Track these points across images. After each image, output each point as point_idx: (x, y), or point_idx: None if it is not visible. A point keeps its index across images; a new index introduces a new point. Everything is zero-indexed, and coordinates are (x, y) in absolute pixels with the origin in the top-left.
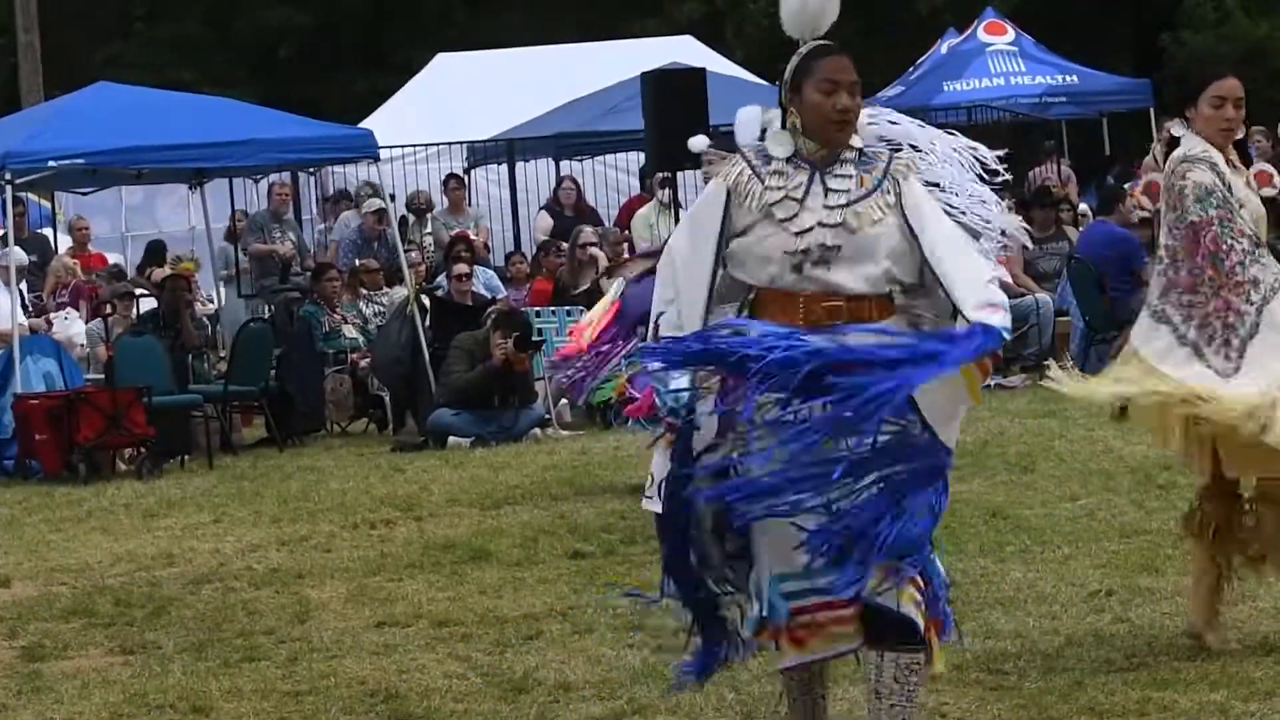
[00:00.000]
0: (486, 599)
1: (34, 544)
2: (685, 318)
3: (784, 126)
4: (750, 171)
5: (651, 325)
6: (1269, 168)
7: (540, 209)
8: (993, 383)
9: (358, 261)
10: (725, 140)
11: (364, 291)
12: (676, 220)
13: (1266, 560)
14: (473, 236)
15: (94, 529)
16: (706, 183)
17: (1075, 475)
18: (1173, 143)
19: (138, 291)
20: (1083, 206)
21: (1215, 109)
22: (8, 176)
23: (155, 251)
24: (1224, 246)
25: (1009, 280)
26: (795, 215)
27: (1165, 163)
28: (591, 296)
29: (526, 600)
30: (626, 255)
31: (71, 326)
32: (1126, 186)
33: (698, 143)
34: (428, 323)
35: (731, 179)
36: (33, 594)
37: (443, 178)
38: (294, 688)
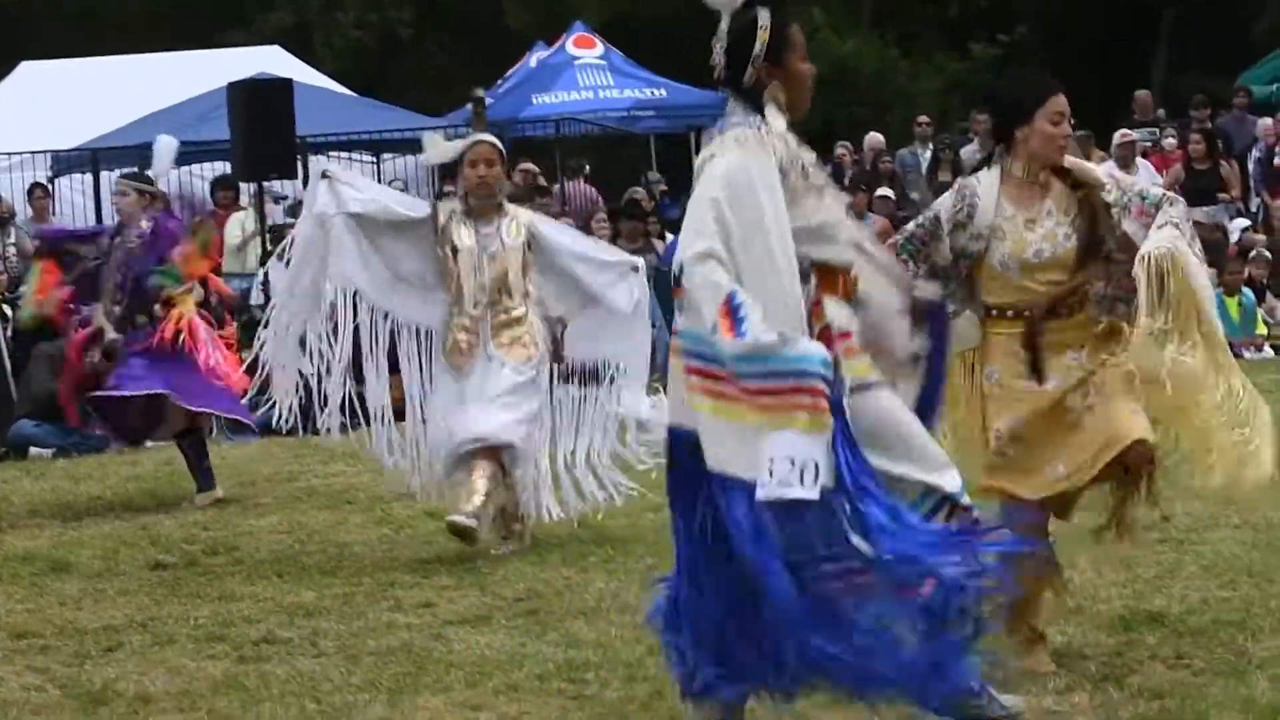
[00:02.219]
0: (66, 610)
1: None
2: (789, 310)
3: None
4: (776, 140)
5: (724, 316)
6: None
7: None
8: None
9: None
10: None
11: None
12: (263, 231)
13: None
14: None
15: None
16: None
17: (658, 485)
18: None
19: None
20: None
21: (1054, 125)
22: None
23: None
24: None
25: None
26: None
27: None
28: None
29: (107, 612)
30: None
31: None
32: None
33: None
34: (9, 332)
35: (773, 148)
36: None
37: (27, 187)
38: None
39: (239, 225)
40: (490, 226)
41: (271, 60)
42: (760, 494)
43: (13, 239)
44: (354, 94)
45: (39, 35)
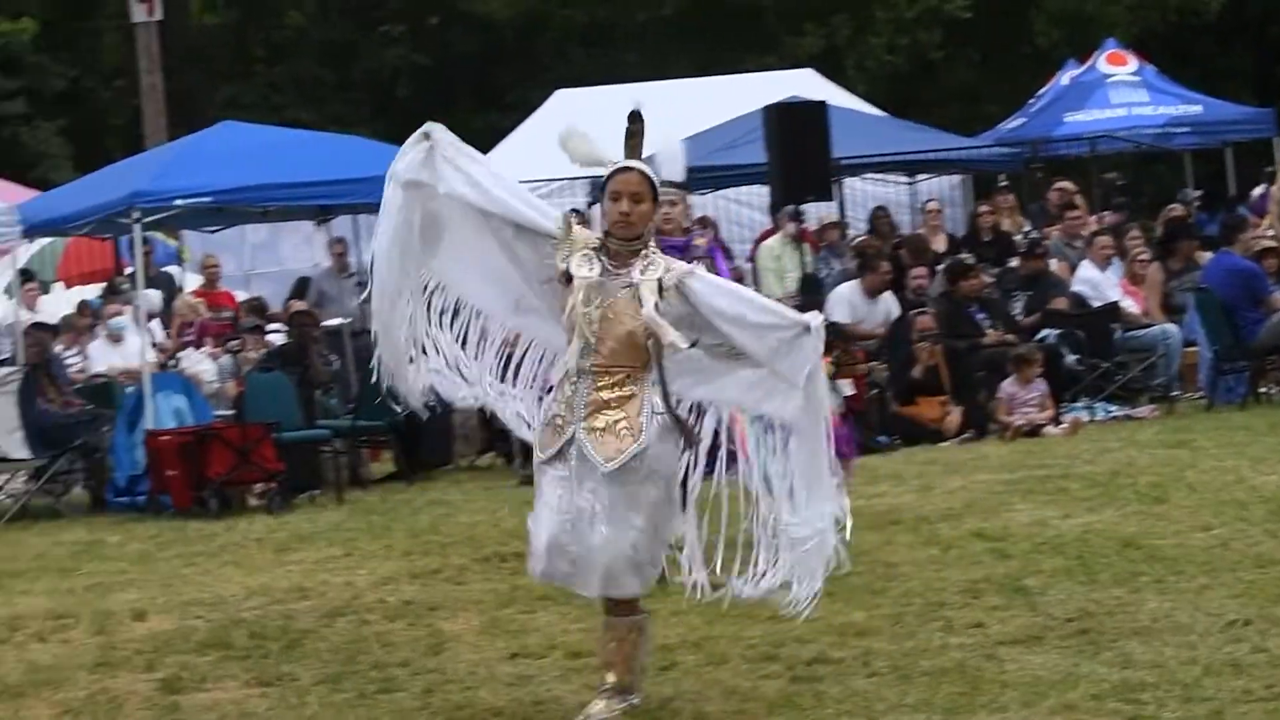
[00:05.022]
0: None
1: (168, 578)
2: None
3: None
4: None
5: None
6: None
7: None
8: (1121, 413)
9: None
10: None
11: None
12: (801, 253)
13: None
14: None
15: (227, 563)
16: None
17: (1208, 505)
18: None
19: (268, 327)
20: None
21: None
22: (136, 215)
23: (300, 286)
24: None
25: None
26: None
27: None
28: None
29: (660, 632)
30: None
31: (199, 363)
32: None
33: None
34: None
35: None
36: (169, 627)
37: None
38: (430, 719)
39: (770, 254)
40: (624, 271)
41: (804, 83)
42: None
43: None
44: (886, 115)
45: (563, 64)
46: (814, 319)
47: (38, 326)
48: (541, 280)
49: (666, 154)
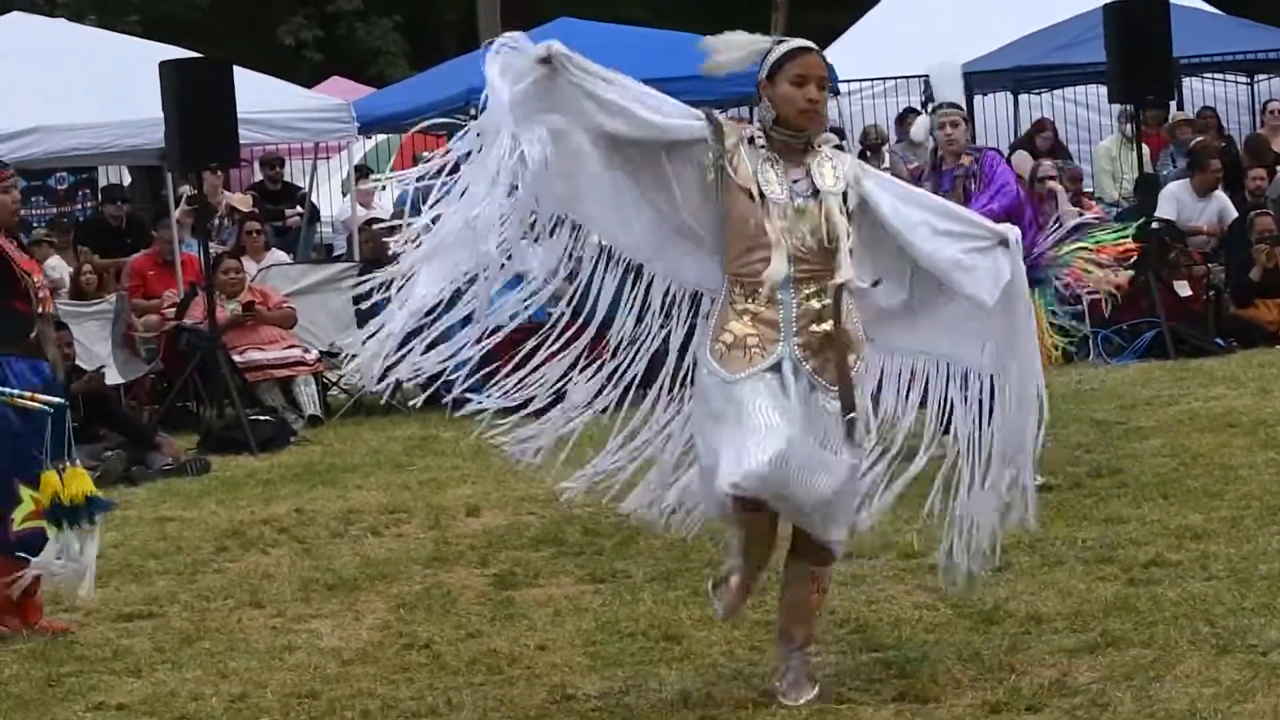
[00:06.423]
0: None
1: (501, 474)
2: None
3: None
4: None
5: None
6: None
7: (1011, 149)
8: None
9: None
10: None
11: None
12: (1139, 154)
13: None
14: None
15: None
16: None
17: None
18: None
19: None
20: None
21: None
22: (472, 112)
23: None
24: None
25: None
26: None
27: None
28: None
29: None
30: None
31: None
32: None
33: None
34: None
35: None
36: (502, 523)
37: (899, 112)
38: (764, 617)
39: (1106, 154)
40: (799, 170)
41: None
42: None
43: (885, 163)
44: (1225, 14)
45: None
46: (1011, 232)
47: (373, 223)
48: (693, 199)
49: (943, 75)
